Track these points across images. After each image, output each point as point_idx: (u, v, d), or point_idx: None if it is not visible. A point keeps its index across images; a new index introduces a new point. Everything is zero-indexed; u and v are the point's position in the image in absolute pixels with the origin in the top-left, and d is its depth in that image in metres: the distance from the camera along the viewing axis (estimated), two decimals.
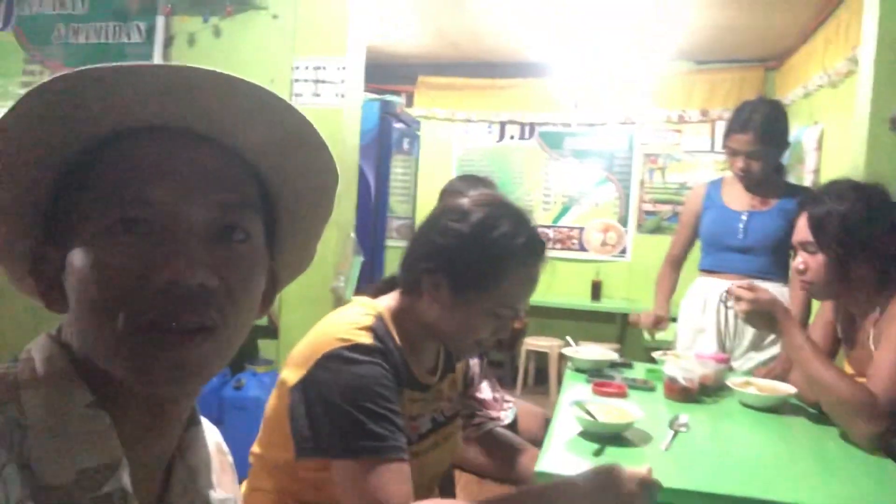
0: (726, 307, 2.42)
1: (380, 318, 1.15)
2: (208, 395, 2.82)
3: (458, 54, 5.27)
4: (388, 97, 3.93)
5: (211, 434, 0.78)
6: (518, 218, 1.16)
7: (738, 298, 1.70)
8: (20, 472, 0.52)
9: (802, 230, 1.71)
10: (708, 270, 2.56)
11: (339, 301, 3.80)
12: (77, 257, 0.56)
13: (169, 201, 0.56)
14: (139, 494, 0.58)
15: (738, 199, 2.50)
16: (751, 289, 1.70)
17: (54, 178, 0.59)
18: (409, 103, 5.55)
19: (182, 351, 0.56)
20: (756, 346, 2.41)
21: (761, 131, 2.34)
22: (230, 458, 0.82)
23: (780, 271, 2.47)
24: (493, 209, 1.16)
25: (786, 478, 1.45)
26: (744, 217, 2.45)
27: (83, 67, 0.53)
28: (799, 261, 1.73)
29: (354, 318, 1.13)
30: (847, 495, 1.31)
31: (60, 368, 0.58)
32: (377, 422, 1.02)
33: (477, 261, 1.12)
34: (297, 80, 3.23)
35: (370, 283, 4.24)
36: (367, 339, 1.07)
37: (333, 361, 1.05)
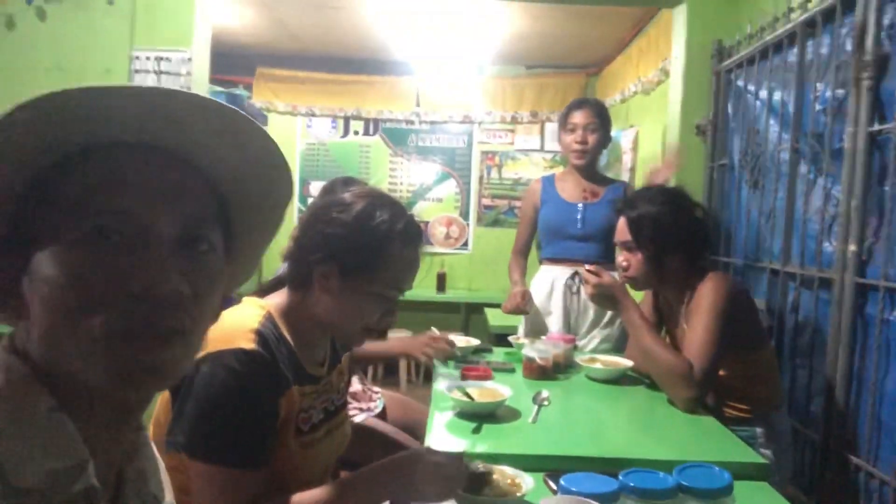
0: (572, 291, 2.70)
1: (269, 317, 1.20)
2: None
3: (299, 46, 5.22)
4: (236, 91, 3.83)
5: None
6: (396, 207, 1.27)
7: (586, 281, 1.94)
8: None
9: (622, 232, 1.99)
10: (550, 259, 2.82)
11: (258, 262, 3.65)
12: (46, 265, 0.58)
13: (142, 212, 0.60)
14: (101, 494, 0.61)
15: (571, 192, 2.80)
16: (597, 273, 1.95)
17: (18, 189, 0.60)
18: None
19: (158, 354, 0.60)
20: (597, 325, 2.71)
21: (597, 108, 2.75)
22: (161, 462, 0.84)
23: (612, 256, 2.80)
24: (373, 199, 1.26)
25: (629, 436, 1.69)
26: (580, 207, 2.75)
27: (52, 92, 0.55)
28: (621, 259, 2.01)
29: (241, 320, 1.17)
30: (672, 445, 1.57)
31: (20, 377, 0.59)
32: (237, 430, 1.07)
33: (362, 246, 1.21)
34: (136, 71, 3.06)
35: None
36: (249, 343, 1.11)
37: (212, 364, 1.08)
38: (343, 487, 1.13)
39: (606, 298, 1.96)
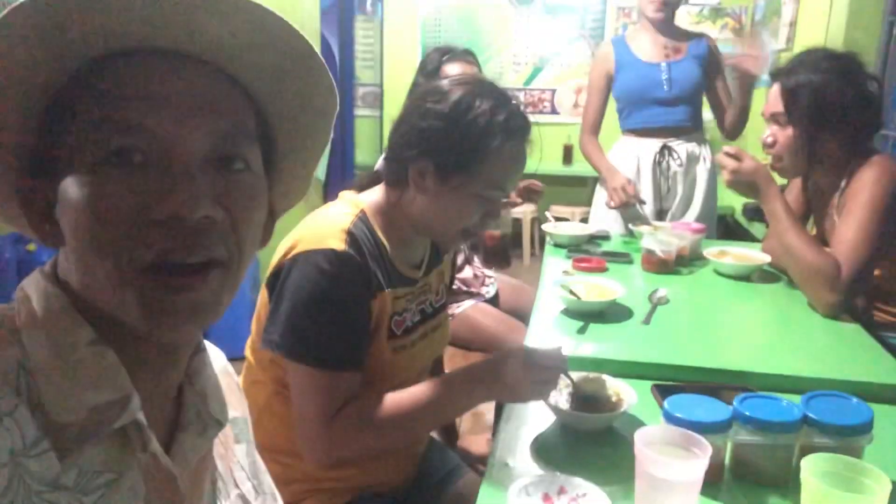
0: (661, 168, 2.46)
1: (362, 216, 1.14)
2: None
3: None
4: None
5: (217, 358, 0.78)
6: (498, 96, 1.13)
7: (723, 166, 1.70)
8: (31, 412, 0.52)
9: (774, 101, 1.70)
10: (633, 130, 2.54)
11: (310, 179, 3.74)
12: (71, 190, 0.53)
13: (165, 129, 0.52)
14: (152, 424, 0.58)
15: (650, 51, 2.46)
16: (737, 156, 1.69)
17: (41, 107, 0.55)
18: None
19: (195, 291, 0.54)
20: (688, 205, 2.49)
21: None
22: (237, 379, 0.83)
23: (699, 121, 2.52)
24: (472, 87, 1.13)
25: (756, 344, 1.53)
26: (664, 67, 2.43)
27: None
28: (767, 134, 1.72)
29: (334, 219, 1.12)
30: (807, 358, 1.39)
31: (59, 308, 0.56)
32: (330, 332, 1.05)
33: (459, 141, 1.10)
34: None
35: (342, 155, 4.18)
36: (340, 244, 1.06)
37: (303, 264, 1.06)
38: (437, 387, 1.09)
39: (746, 185, 1.71)
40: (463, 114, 1.09)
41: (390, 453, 1.21)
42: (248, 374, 1.21)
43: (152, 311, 0.54)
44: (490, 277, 2.39)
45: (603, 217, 2.56)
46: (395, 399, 1.08)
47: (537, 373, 1.05)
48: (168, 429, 0.64)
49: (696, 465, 0.86)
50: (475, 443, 1.70)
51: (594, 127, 2.62)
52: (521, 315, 2.13)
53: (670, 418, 0.98)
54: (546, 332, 1.51)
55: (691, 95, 2.43)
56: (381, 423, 1.07)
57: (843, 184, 1.66)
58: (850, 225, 1.56)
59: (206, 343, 0.76)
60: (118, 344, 0.56)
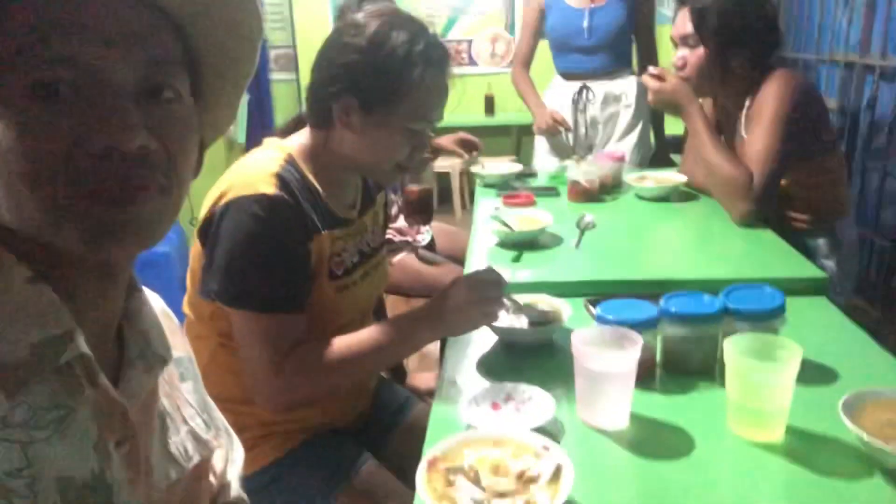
0: (578, 108, 2.54)
1: (290, 160, 1.13)
2: None
3: None
4: None
5: (154, 300, 0.78)
6: (415, 26, 1.14)
7: (646, 86, 1.76)
8: None
9: (682, 24, 1.77)
10: (560, 72, 2.64)
11: (230, 143, 3.65)
12: None
13: (92, 58, 0.51)
14: (99, 359, 0.59)
15: None
16: (660, 76, 1.75)
17: None
18: None
19: (132, 211, 0.54)
20: (609, 140, 2.60)
21: None
22: (176, 321, 0.83)
23: (625, 63, 2.59)
24: (388, 18, 1.13)
25: (677, 256, 1.62)
26: (586, 14, 2.48)
27: None
28: (678, 56, 1.80)
29: (262, 164, 1.11)
30: (724, 263, 1.49)
31: None
32: (270, 274, 1.05)
33: (380, 74, 1.10)
34: None
35: (261, 119, 4.09)
36: (270, 188, 1.06)
37: (234, 210, 1.05)
38: (384, 328, 1.11)
39: (669, 104, 1.78)
40: (381, 45, 1.09)
41: (342, 392, 1.23)
42: (189, 331, 1.20)
43: (92, 232, 0.53)
44: (425, 225, 2.42)
45: (544, 161, 2.65)
46: (344, 341, 1.10)
47: (481, 292, 1.07)
48: (112, 369, 0.64)
49: (629, 354, 0.92)
50: (423, 379, 1.75)
51: (525, 61, 2.68)
52: (458, 259, 2.17)
53: (603, 321, 1.04)
54: (482, 265, 1.55)
55: (612, 42, 2.46)
56: (331, 366, 1.08)
57: (748, 101, 1.75)
58: (758, 137, 1.65)
59: (143, 287, 0.76)
60: (56, 281, 0.56)
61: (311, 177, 1.14)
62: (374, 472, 1.17)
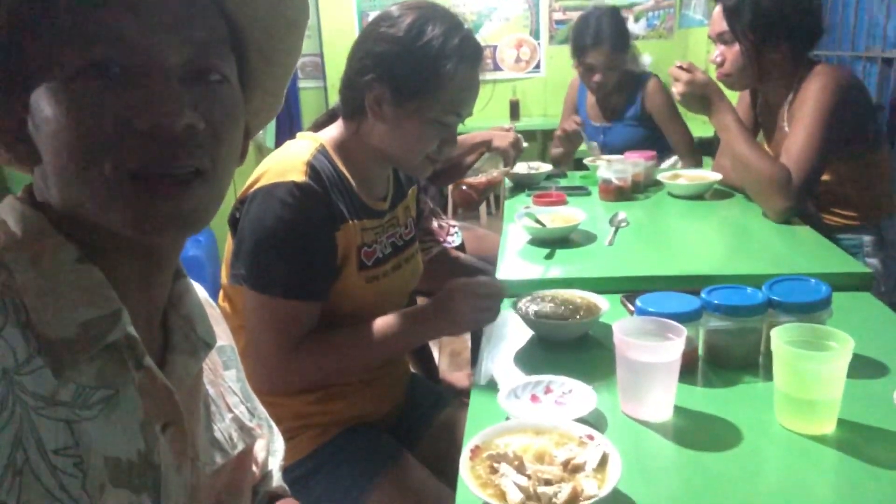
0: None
1: (322, 150, 1.14)
2: None
3: None
4: None
5: (198, 289, 0.78)
6: (450, 20, 1.14)
7: (676, 79, 1.74)
8: (21, 331, 0.51)
9: (718, 22, 1.74)
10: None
11: (259, 148, 3.69)
12: (46, 105, 0.52)
13: (143, 40, 0.52)
14: (146, 342, 0.59)
15: (592, 110, 2.64)
16: (688, 69, 1.73)
17: (4, 16, 0.53)
18: None
19: (180, 199, 0.54)
20: None
21: (612, 42, 2.38)
22: (218, 310, 0.83)
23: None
24: (424, 11, 1.13)
25: (715, 252, 1.59)
26: (601, 130, 2.59)
27: None
28: (716, 53, 1.77)
29: (294, 153, 1.12)
30: (763, 259, 1.46)
31: (39, 228, 0.55)
32: (294, 262, 1.07)
33: (414, 65, 1.10)
34: None
35: (289, 126, 4.12)
36: (300, 176, 1.07)
37: (263, 197, 1.07)
38: (391, 319, 1.13)
39: (697, 99, 1.72)
40: (416, 37, 1.10)
41: (376, 385, 1.23)
42: (227, 324, 1.21)
43: (137, 216, 0.54)
44: (454, 227, 2.41)
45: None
46: (351, 332, 1.12)
47: (479, 301, 1.10)
48: (158, 353, 0.64)
49: (673, 345, 0.90)
50: (456, 378, 1.73)
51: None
52: (489, 262, 2.15)
53: (643, 314, 1.02)
54: (515, 263, 1.54)
55: (627, 151, 2.42)
56: (335, 354, 1.11)
57: (790, 95, 1.72)
58: (799, 133, 1.61)
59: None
60: (103, 262, 0.56)
61: (342, 167, 1.15)
62: (410, 466, 1.17)
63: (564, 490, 0.69)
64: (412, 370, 1.55)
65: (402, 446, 1.21)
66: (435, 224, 2.34)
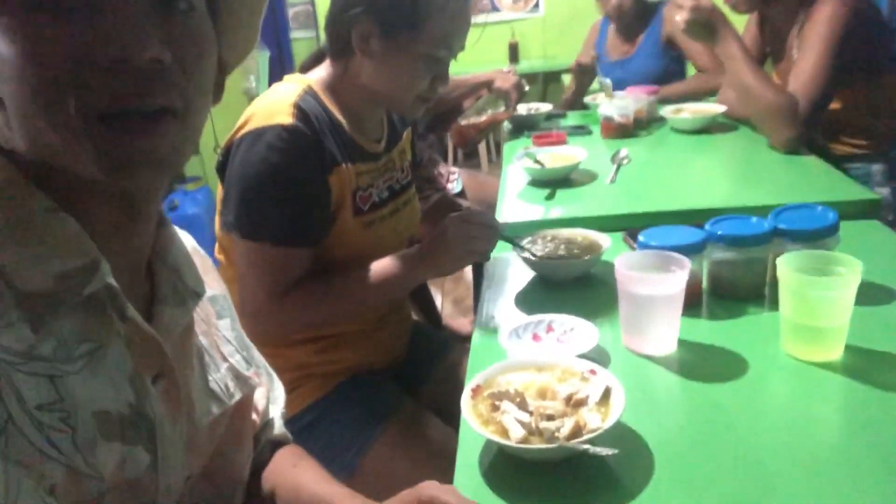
0: None
1: (309, 91, 1.10)
2: None
3: None
4: None
5: (185, 238, 0.76)
6: None
7: (680, 6, 1.66)
8: None
9: None
10: None
11: (251, 99, 3.63)
12: (1, 42, 0.48)
13: None
14: (128, 298, 0.57)
15: (611, 46, 2.53)
16: None
17: None
18: None
19: (152, 137, 0.51)
20: None
21: None
22: (209, 260, 0.81)
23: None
24: None
25: (721, 186, 1.56)
26: (618, 65, 2.48)
27: None
28: None
29: (280, 96, 1.08)
30: (770, 190, 1.42)
31: (5, 178, 0.53)
32: (284, 207, 1.04)
33: None
34: None
35: (281, 76, 4.04)
36: (288, 118, 1.03)
37: (250, 141, 1.04)
38: (381, 266, 1.10)
39: (702, 27, 1.65)
40: None
41: (379, 333, 1.22)
42: (222, 275, 1.19)
43: (110, 157, 0.51)
44: (454, 174, 2.38)
45: None
46: (342, 277, 1.10)
47: (472, 228, 1.07)
48: (145, 305, 0.62)
49: (676, 277, 0.88)
50: (459, 325, 1.73)
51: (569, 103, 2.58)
52: (490, 207, 2.13)
53: (646, 248, 1.00)
54: (515, 204, 1.51)
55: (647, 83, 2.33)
56: (326, 299, 1.09)
57: (799, 19, 1.65)
58: (808, 59, 1.56)
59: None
60: (78, 211, 0.54)
61: (332, 108, 1.11)
62: (414, 412, 1.16)
63: (567, 424, 0.68)
64: (415, 318, 1.54)
65: (405, 393, 1.21)
66: (435, 171, 2.30)
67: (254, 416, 0.81)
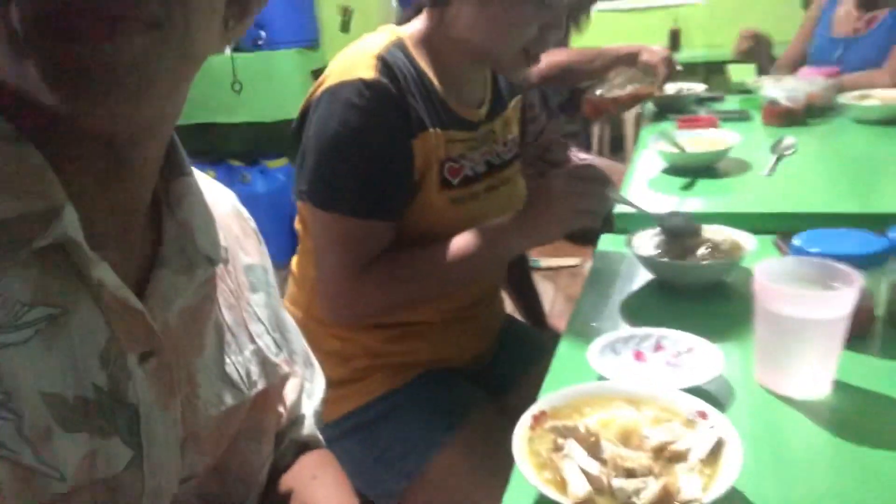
0: None
1: (398, 44, 0.97)
2: None
3: None
4: None
5: (223, 196, 0.66)
6: None
7: None
8: None
9: None
10: None
11: None
12: None
13: None
14: (122, 259, 0.48)
15: (847, 17, 2.05)
16: None
17: None
18: None
19: (112, 46, 0.40)
20: None
21: None
22: (253, 224, 0.70)
23: None
24: None
25: None
26: (841, 46, 2.02)
27: None
28: None
29: (363, 47, 0.96)
30: None
31: None
32: (362, 174, 0.92)
33: None
34: None
35: None
36: (369, 72, 0.90)
37: (327, 99, 0.92)
38: (466, 237, 0.95)
39: None
40: None
41: (463, 325, 1.06)
42: (302, 247, 1.09)
43: (60, 74, 0.40)
44: (585, 160, 2.17)
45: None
46: (424, 251, 0.96)
47: (579, 184, 0.90)
48: (145, 266, 0.51)
49: (839, 296, 0.64)
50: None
51: (785, 64, 2.21)
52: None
53: (802, 254, 0.76)
54: (642, 193, 1.29)
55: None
56: (407, 277, 0.96)
57: None
58: None
59: (206, 177, 0.63)
60: (48, 150, 0.44)
61: (423, 65, 0.97)
62: (494, 421, 0.99)
63: (651, 487, 0.49)
64: (514, 315, 1.37)
65: (487, 398, 1.04)
66: (563, 155, 2.11)
67: (280, 410, 0.68)
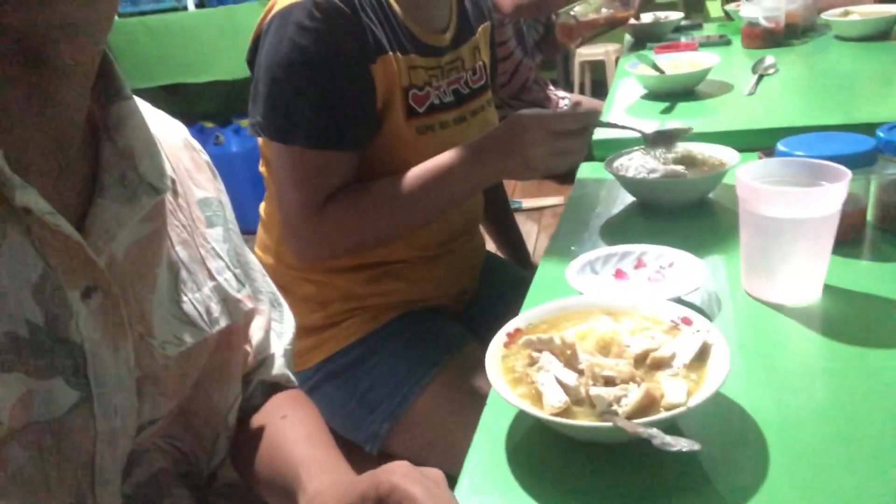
0: None
1: None
2: None
3: None
4: None
5: (172, 127, 0.62)
6: None
7: None
8: None
9: None
10: None
11: None
12: None
13: None
14: (53, 182, 0.45)
15: None
16: None
17: None
18: None
19: None
20: None
21: None
22: (205, 156, 0.66)
23: None
24: None
25: (890, 100, 1.20)
26: None
27: None
28: None
29: None
30: None
31: None
32: (314, 102, 0.86)
33: None
34: None
35: None
36: None
37: (277, 23, 0.86)
38: (443, 157, 0.89)
39: None
40: None
41: (442, 263, 1.02)
42: (268, 194, 1.04)
43: None
44: (564, 99, 2.12)
45: None
46: (393, 178, 0.90)
47: (557, 142, 0.84)
48: (86, 198, 0.48)
49: (829, 194, 0.61)
50: None
51: None
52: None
53: (787, 157, 0.72)
54: (621, 119, 1.24)
55: None
56: (374, 208, 0.90)
57: None
58: None
59: (153, 108, 0.58)
60: None
61: None
62: (474, 357, 0.96)
63: (633, 393, 0.46)
64: (500, 255, 1.33)
65: (468, 335, 1.01)
66: (542, 94, 2.06)
67: (246, 349, 0.65)
